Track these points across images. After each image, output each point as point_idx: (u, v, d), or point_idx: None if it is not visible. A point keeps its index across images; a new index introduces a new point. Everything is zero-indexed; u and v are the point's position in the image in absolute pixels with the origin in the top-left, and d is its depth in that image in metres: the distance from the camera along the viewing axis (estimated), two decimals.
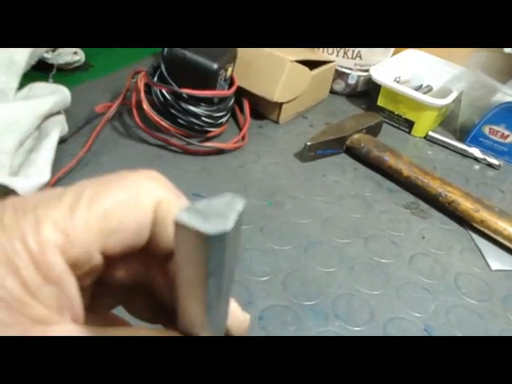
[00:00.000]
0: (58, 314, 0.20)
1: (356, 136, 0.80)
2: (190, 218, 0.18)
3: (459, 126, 0.91)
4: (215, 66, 0.71)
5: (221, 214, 0.18)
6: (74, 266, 0.20)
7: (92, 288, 0.24)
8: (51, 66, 0.87)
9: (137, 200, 0.21)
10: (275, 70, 0.79)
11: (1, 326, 0.18)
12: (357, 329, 0.54)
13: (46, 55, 0.85)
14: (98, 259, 0.21)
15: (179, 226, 0.18)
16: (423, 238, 0.68)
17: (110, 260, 0.22)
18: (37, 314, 0.19)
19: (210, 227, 0.17)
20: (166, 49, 0.72)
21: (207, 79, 0.72)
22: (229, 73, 0.77)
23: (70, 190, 0.21)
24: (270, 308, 0.55)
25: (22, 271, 0.18)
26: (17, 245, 0.19)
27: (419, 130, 0.88)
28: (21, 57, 0.77)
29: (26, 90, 0.77)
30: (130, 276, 0.24)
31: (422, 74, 0.98)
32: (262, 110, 0.85)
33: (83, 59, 0.92)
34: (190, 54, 0.71)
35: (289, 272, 0.60)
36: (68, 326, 0.20)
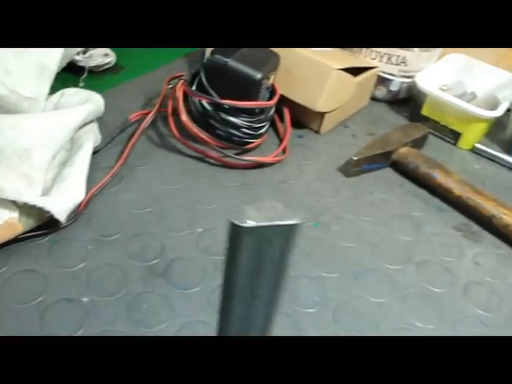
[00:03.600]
0: None
1: (402, 150, 0.76)
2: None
3: (508, 138, 0.86)
4: (259, 75, 0.67)
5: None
6: None
7: None
8: (82, 68, 0.83)
9: None
10: (318, 78, 0.75)
11: None
12: None
13: (76, 57, 0.81)
14: None
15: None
16: (477, 264, 0.64)
17: None
18: None
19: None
20: (206, 56, 0.68)
21: (250, 89, 0.68)
22: (271, 81, 0.73)
23: None
24: None
25: None
26: None
27: (466, 142, 0.84)
28: (52, 61, 0.73)
29: (57, 95, 0.73)
30: None
31: (465, 81, 0.93)
32: (302, 119, 0.81)
33: (114, 61, 0.88)
34: (232, 62, 0.67)
35: (339, 303, 0.56)
36: None
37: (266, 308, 0.29)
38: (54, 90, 0.74)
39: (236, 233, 0.25)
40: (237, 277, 0.27)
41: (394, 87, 0.90)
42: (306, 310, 0.55)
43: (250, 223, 0.24)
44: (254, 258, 0.26)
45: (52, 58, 0.74)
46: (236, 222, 0.24)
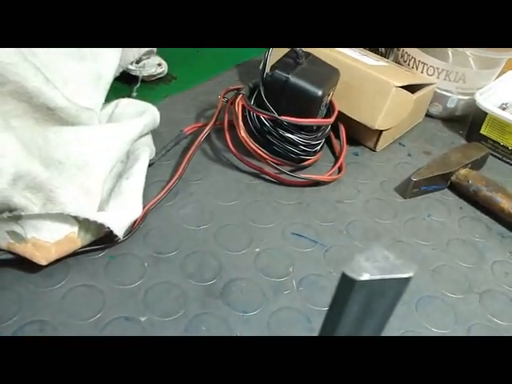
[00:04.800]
0: None
1: (462, 171, 0.73)
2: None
3: None
4: (320, 92, 0.65)
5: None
6: None
7: None
8: (134, 77, 0.82)
9: None
10: (378, 96, 0.73)
11: None
12: None
13: (130, 67, 0.81)
14: None
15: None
16: None
17: None
18: None
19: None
20: (266, 71, 0.66)
21: (310, 106, 0.66)
22: (329, 97, 0.71)
23: None
24: None
25: None
26: None
27: None
28: (108, 70, 0.73)
29: (111, 106, 0.73)
30: None
31: None
32: (358, 135, 0.79)
33: (166, 71, 0.87)
34: (293, 77, 0.65)
35: (402, 332, 0.54)
36: None
37: None
38: (106, 99, 0.73)
39: (348, 285, 0.23)
40: (340, 325, 0.26)
41: (450, 104, 0.87)
42: None
43: (365, 276, 0.23)
44: (361, 309, 0.25)
45: (108, 67, 0.74)
46: (350, 275, 0.23)
